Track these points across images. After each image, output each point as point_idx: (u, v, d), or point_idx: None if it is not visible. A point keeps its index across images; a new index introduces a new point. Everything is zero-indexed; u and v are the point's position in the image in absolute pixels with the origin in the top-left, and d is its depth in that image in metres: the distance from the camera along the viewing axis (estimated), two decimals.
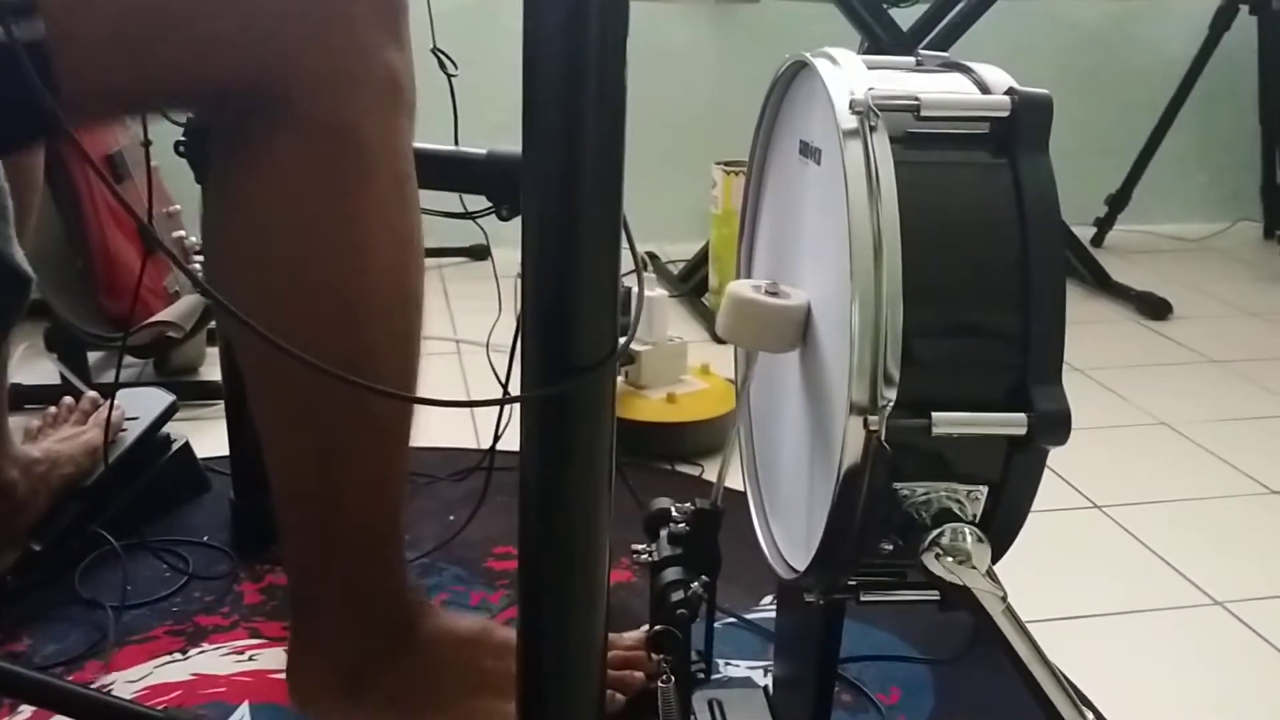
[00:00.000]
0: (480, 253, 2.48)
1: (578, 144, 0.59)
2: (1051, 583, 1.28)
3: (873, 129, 0.73)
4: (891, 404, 0.72)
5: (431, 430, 1.61)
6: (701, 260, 2.28)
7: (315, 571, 0.89)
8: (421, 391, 0.85)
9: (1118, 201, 2.70)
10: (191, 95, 0.76)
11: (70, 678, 1.08)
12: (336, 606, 0.89)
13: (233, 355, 1.27)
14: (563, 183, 0.59)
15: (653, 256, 2.44)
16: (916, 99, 0.74)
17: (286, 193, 0.78)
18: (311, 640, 0.89)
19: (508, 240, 1.41)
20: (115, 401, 1.31)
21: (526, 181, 0.60)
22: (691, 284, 2.29)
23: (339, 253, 0.79)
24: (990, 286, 0.75)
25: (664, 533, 0.93)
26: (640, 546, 0.95)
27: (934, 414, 0.72)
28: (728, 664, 1.14)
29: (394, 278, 0.83)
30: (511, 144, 1.15)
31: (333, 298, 0.79)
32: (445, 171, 1.14)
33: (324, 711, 0.91)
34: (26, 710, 1.04)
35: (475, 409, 1.73)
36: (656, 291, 1.76)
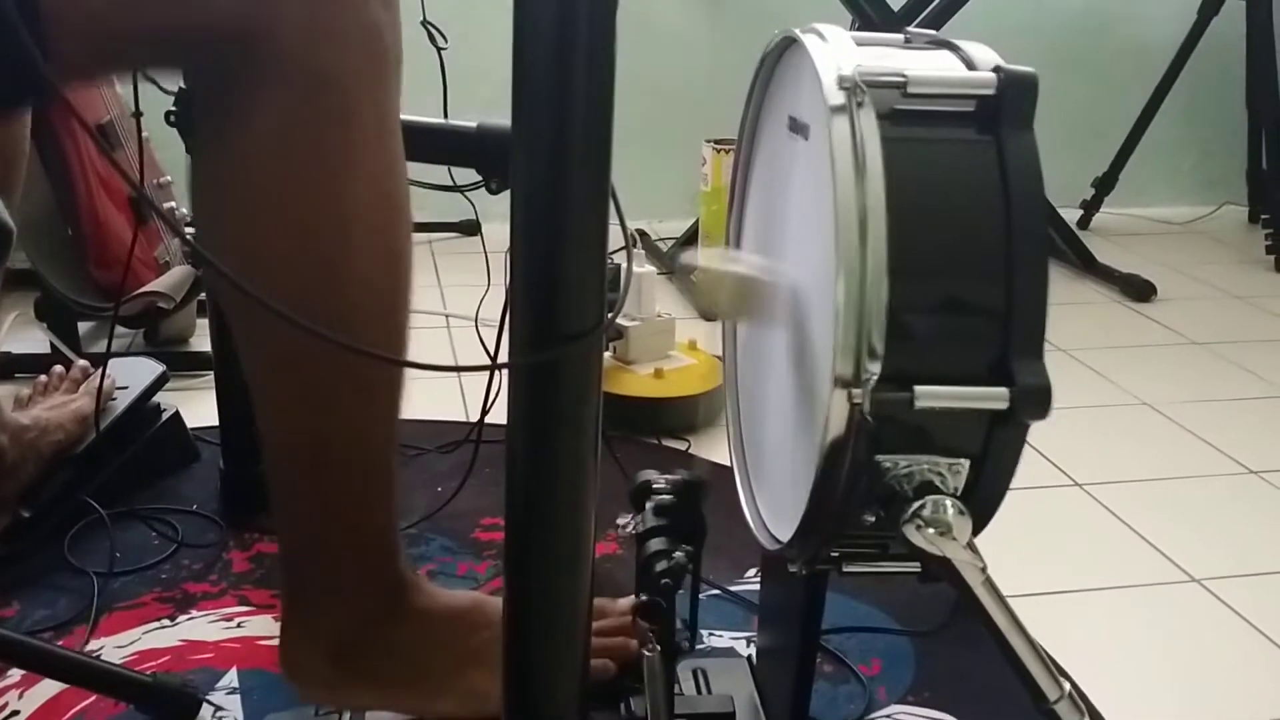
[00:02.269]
0: (470, 228, 2.48)
1: (567, 112, 0.59)
2: (1031, 559, 1.29)
3: (860, 105, 0.74)
4: (875, 378, 0.73)
5: (420, 403, 1.62)
6: (691, 237, 2.29)
7: (307, 542, 0.89)
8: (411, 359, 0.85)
9: (1104, 184, 2.72)
10: (178, 46, 0.76)
11: (59, 643, 1.09)
12: (327, 579, 0.90)
13: (223, 325, 1.28)
14: (552, 151, 0.60)
15: (642, 234, 2.44)
16: (903, 76, 0.74)
17: (268, 145, 0.77)
18: (302, 612, 0.90)
19: (498, 215, 1.42)
20: (106, 371, 1.32)
21: (516, 148, 0.61)
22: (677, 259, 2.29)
23: (321, 204, 0.78)
24: (974, 262, 0.76)
25: (649, 504, 0.94)
26: (625, 519, 0.96)
27: (917, 388, 0.73)
28: (712, 634, 1.15)
29: (377, 231, 0.82)
30: (501, 118, 1.17)
31: (314, 251, 0.79)
32: (435, 144, 1.15)
33: (314, 683, 0.92)
34: (16, 674, 1.05)
35: (464, 382, 1.74)
36: (645, 268, 1.76)
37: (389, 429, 0.88)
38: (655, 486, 0.94)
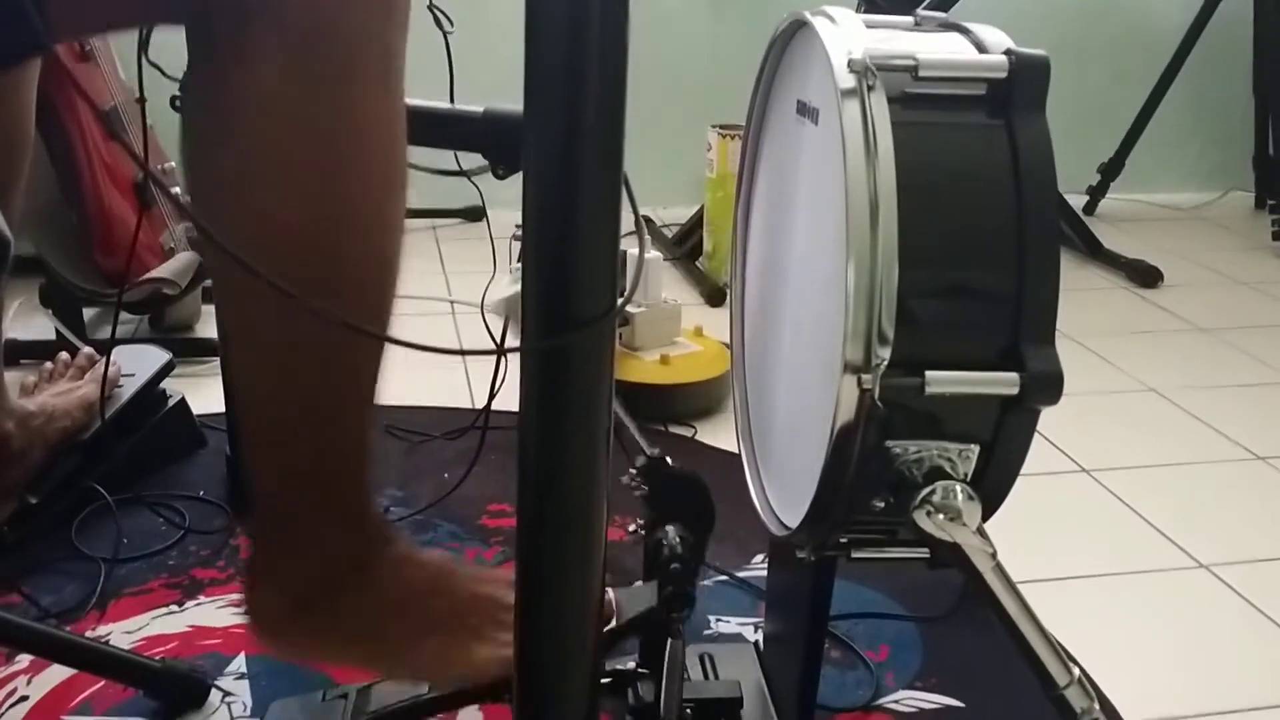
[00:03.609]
0: (475, 214, 2.47)
1: (580, 96, 0.59)
2: (1039, 545, 1.29)
3: (870, 89, 0.74)
4: (885, 363, 0.73)
5: (426, 390, 1.62)
6: (696, 224, 2.28)
7: (279, 498, 0.88)
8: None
9: (1110, 170, 2.71)
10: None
11: (67, 629, 1.09)
12: (296, 532, 0.89)
13: None
14: (565, 135, 0.60)
15: (647, 220, 2.44)
16: (914, 59, 0.74)
17: (265, 99, 0.74)
18: (269, 562, 0.89)
19: (503, 201, 1.42)
20: (112, 357, 1.32)
21: (528, 132, 0.61)
22: (686, 248, 2.29)
23: (316, 170, 0.77)
24: (985, 248, 0.76)
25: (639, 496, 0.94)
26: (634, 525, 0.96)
27: (927, 373, 0.73)
28: (719, 620, 1.15)
29: (376, 192, 0.80)
30: (508, 103, 1.16)
31: (310, 210, 0.78)
32: (442, 129, 1.13)
33: (273, 632, 0.91)
34: (24, 660, 1.05)
35: (470, 369, 1.73)
36: (651, 254, 1.76)
37: (368, 389, 0.87)
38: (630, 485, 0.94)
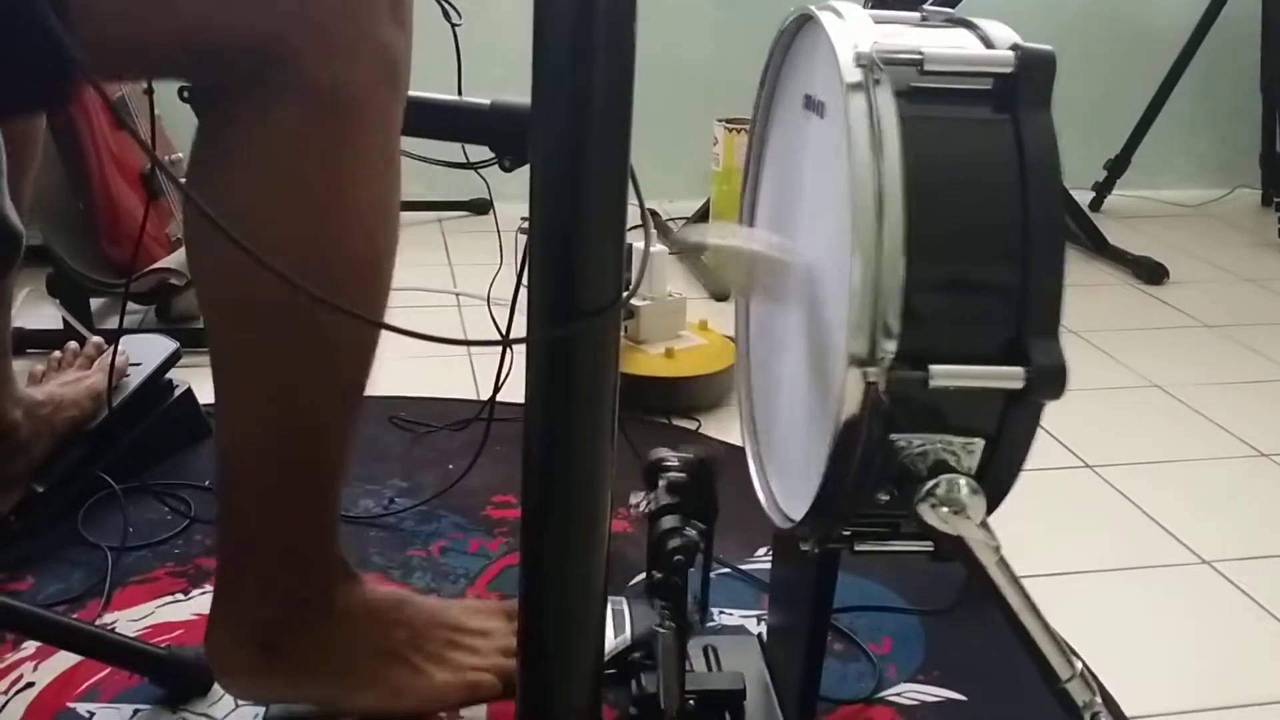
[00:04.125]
0: (481, 206, 2.48)
1: (588, 88, 0.59)
2: (1042, 540, 1.29)
3: (877, 83, 0.74)
4: (890, 356, 0.73)
5: (431, 382, 1.63)
6: (702, 217, 2.29)
7: (248, 534, 0.90)
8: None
9: (1117, 166, 2.70)
10: (198, 57, 0.77)
11: (74, 616, 1.10)
12: (264, 571, 0.91)
13: None
14: (572, 127, 0.60)
15: (653, 214, 2.44)
16: (920, 53, 0.74)
17: (273, 154, 0.79)
18: (234, 601, 0.91)
19: (509, 195, 1.42)
20: (119, 347, 1.32)
21: (535, 123, 0.61)
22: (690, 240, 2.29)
23: (317, 215, 0.80)
24: (990, 242, 0.76)
25: (662, 482, 0.95)
26: (638, 498, 0.96)
27: (932, 367, 0.73)
28: (722, 613, 1.15)
29: (370, 245, 0.84)
30: (515, 96, 1.16)
31: (304, 257, 0.80)
32: (449, 121, 1.14)
33: (237, 670, 0.93)
34: (30, 647, 1.05)
35: (475, 362, 1.74)
36: (656, 247, 1.76)
37: (348, 424, 0.89)
38: (667, 464, 0.95)
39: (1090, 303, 2.13)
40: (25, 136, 1.15)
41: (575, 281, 0.63)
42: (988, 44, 0.78)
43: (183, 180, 1.71)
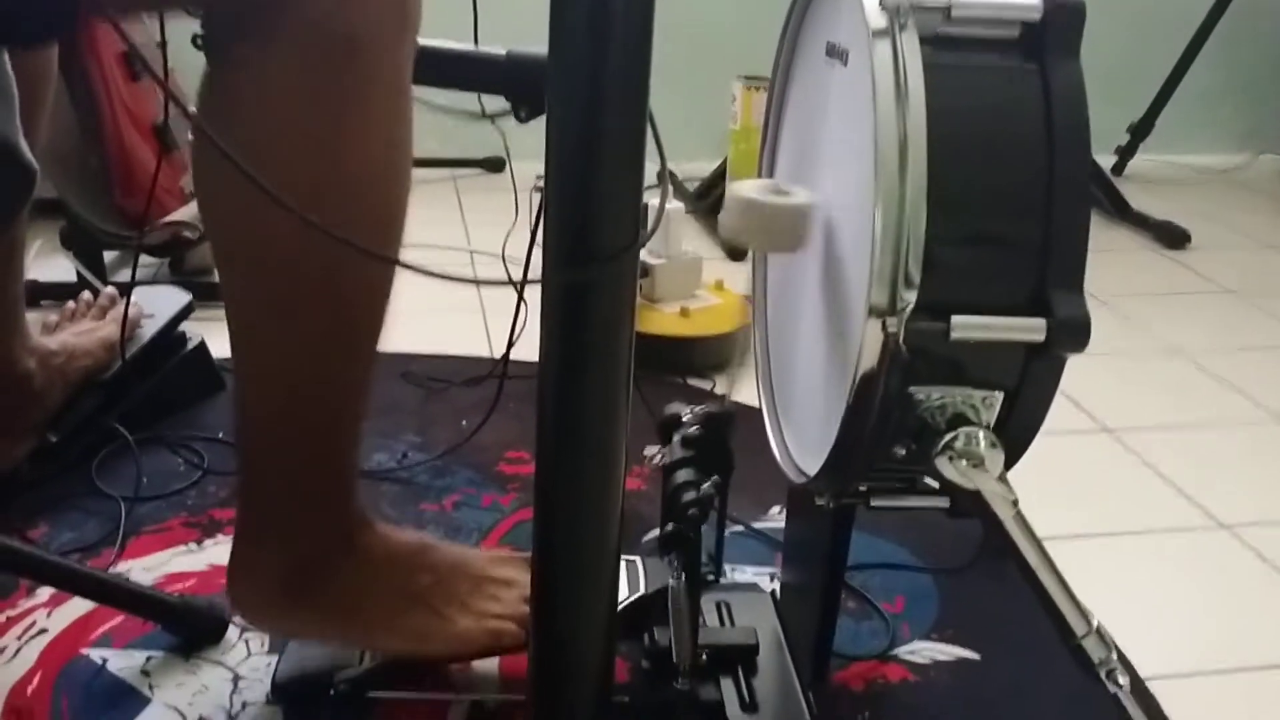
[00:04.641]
0: (496, 164, 2.47)
1: (606, 23, 0.58)
2: (1060, 503, 1.28)
3: (902, 28, 0.72)
4: (911, 307, 0.72)
5: (445, 338, 1.62)
6: (719, 177, 2.27)
7: (268, 474, 0.90)
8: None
9: (1140, 130, 2.67)
10: None
11: (88, 564, 1.10)
12: (285, 511, 0.90)
13: None
14: (590, 65, 0.59)
15: (669, 173, 2.42)
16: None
17: (282, 93, 0.78)
18: (256, 540, 0.91)
19: (524, 153, 1.41)
20: (133, 299, 1.32)
21: (554, 66, 0.60)
22: (708, 201, 2.27)
23: (328, 155, 0.79)
24: (1014, 192, 0.74)
25: (677, 436, 0.94)
26: (653, 450, 0.96)
27: (953, 318, 0.72)
28: (735, 570, 1.15)
29: (379, 187, 0.83)
30: (529, 46, 1.15)
31: (313, 198, 0.80)
32: (464, 71, 1.12)
33: (258, 609, 0.93)
34: (44, 594, 1.06)
35: (488, 318, 1.73)
36: (673, 204, 1.75)
37: (365, 373, 0.88)
38: (682, 419, 0.94)
39: (1111, 267, 2.11)
40: (37, 72, 1.14)
41: (592, 226, 0.62)
42: None
43: (194, 117, 1.70)
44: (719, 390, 1.54)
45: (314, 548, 0.91)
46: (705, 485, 0.87)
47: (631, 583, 1.01)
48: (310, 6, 0.74)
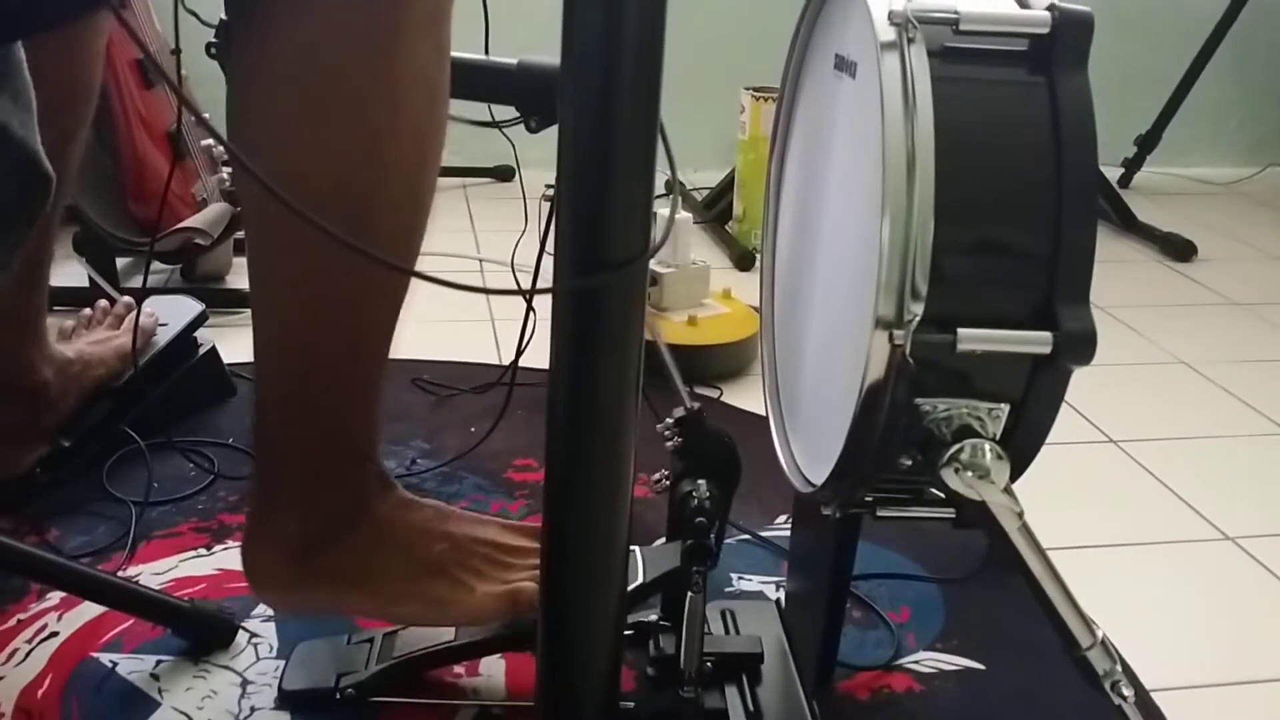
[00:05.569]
0: (505, 174, 2.48)
1: (620, 33, 0.59)
2: (1065, 513, 1.29)
3: (911, 41, 0.73)
4: (917, 319, 0.72)
5: (454, 345, 1.63)
6: (726, 187, 2.27)
7: (285, 442, 0.89)
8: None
9: (1147, 143, 2.67)
10: None
11: (98, 568, 1.10)
12: (300, 480, 0.89)
13: None
14: (604, 75, 0.59)
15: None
16: (956, 12, 0.73)
17: (311, 52, 0.77)
18: (270, 511, 0.90)
19: (534, 162, 1.42)
20: (148, 308, 1.32)
21: (567, 69, 0.60)
22: (716, 211, 2.28)
23: (360, 114, 0.78)
24: (1022, 205, 0.75)
25: (669, 446, 0.94)
26: (658, 475, 0.96)
27: (959, 330, 0.73)
28: (740, 579, 1.16)
29: (414, 146, 0.82)
30: (540, 56, 1.15)
31: (348, 160, 0.79)
32: (476, 81, 1.13)
33: (273, 582, 0.92)
34: (55, 597, 1.07)
35: (497, 327, 1.74)
36: (682, 213, 1.75)
37: (384, 338, 0.88)
38: (666, 433, 0.93)
39: (1118, 279, 2.11)
40: (79, 96, 1.13)
41: (603, 235, 0.62)
42: (1023, 4, 0.77)
43: (206, 142, 1.71)
44: (726, 400, 1.54)
45: (328, 513, 0.90)
46: (703, 491, 0.87)
47: (630, 571, 1.01)
48: None
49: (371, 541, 0.91)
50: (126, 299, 1.46)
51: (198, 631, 1.02)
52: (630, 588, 0.96)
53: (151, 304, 1.44)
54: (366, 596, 0.93)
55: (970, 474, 0.75)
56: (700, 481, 0.86)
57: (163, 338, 1.40)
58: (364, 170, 0.79)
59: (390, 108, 0.79)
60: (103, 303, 1.45)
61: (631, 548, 1.00)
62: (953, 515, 0.85)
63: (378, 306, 0.86)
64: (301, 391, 0.88)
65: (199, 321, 1.46)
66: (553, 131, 0.65)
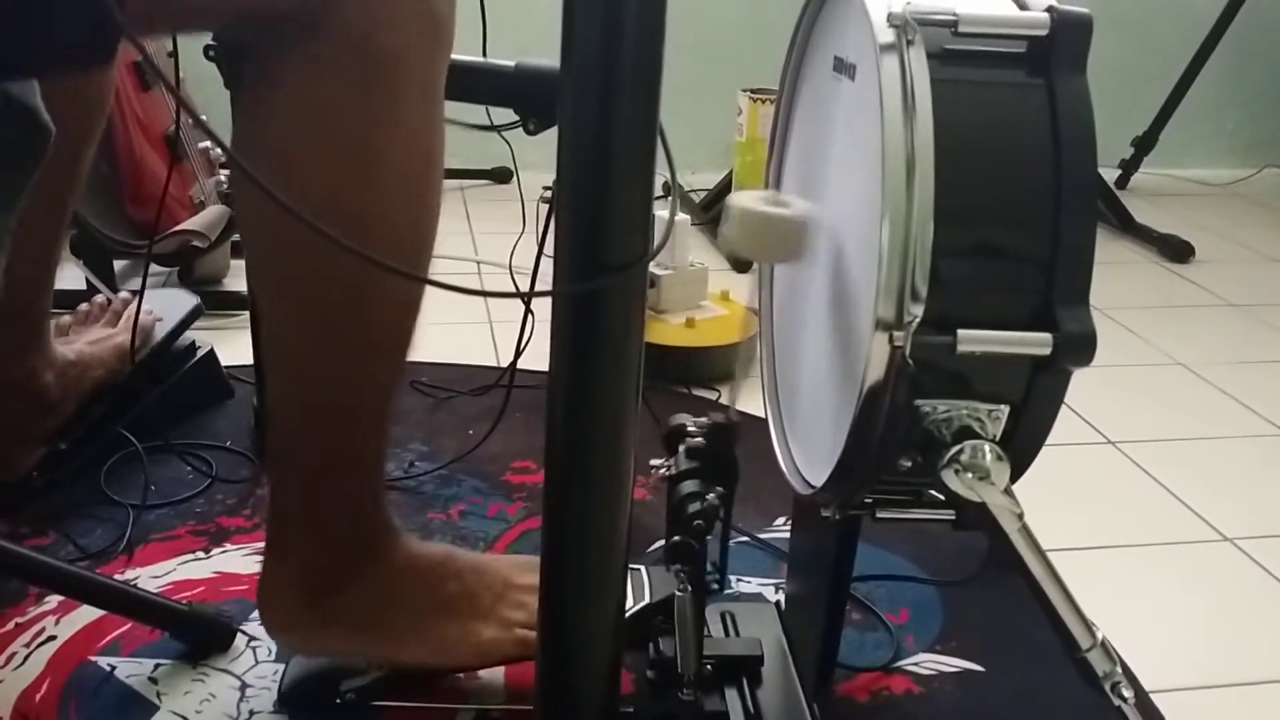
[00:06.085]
0: (503, 175, 2.48)
1: (619, 38, 0.59)
2: (1064, 515, 1.29)
3: (910, 43, 0.73)
4: (917, 320, 0.72)
5: (452, 348, 1.63)
6: (724, 189, 2.27)
7: (298, 486, 0.91)
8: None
9: (1144, 144, 2.68)
10: (246, 16, 0.77)
11: (96, 571, 1.10)
12: (313, 523, 0.91)
13: None
14: (603, 79, 0.59)
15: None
16: (954, 14, 0.73)
17: (318, 106, 0.79)
18: (284, 554, 0.92)
19: (532, 164, 1.42)
20: (148, 308, 1.32)
21: (566, 74, 0.60)
22: (713, 213, 2.28)
23: (360, 157, 0.80)
24: (1021, 207, 0.75)
25: (682, 448, 0.94)
26: (658, 462, 0.96)
27: (959, 332, 0.73)
28: (740, 580, 1.15)
29: (412, 195, 0.84)
30: (539, 58, 1.15)
31: (348, 207, 0.80)
32: (473, 83, 1.13)
33: (287, 625, 0.94)
34: (52, 601, 1.06)
35: (495, 329, 1.74)
36: (680, 216, 1.75)
37: (393, 383, 0.89)
38: (688, 430, 0.94)
39: (1116, 281, 2.12)
40: (92, 122, 1.13)
41: (602, 238, 0.62)
42: (1022, 6, 0.77)
43: (206, 126, 1.71)
44: (723, 400, 1.54)
45: (339, 558, 0.91)
46: (710, 496, 0.88)
47: (636, 591, 1.02)
48: (350, 23, 0.75)
49: (382, 585, 0.92)
50: (124, 295, 1.46)
51: (196, 635, 1.01)
52: (637, 606, 0.97)
53: (147, 298, 1.44)
54: (378, 640, 0.94)
55: (970, 475, 0.75)
56: (710, 495, 0.86)
57: (160, 331, 1.40)
58: (357, 220, 0.80)
59: (384, 164, 0.81)
60: (100, 298, 1.45)
61: (638, 567, 1.01)
62: (952, 517, 0.85)
63: (385, 353, 0.88)
64: (306, 438, 0.89)
65: (194, 315, 1.46)
66: (550, 134, 0.65)
